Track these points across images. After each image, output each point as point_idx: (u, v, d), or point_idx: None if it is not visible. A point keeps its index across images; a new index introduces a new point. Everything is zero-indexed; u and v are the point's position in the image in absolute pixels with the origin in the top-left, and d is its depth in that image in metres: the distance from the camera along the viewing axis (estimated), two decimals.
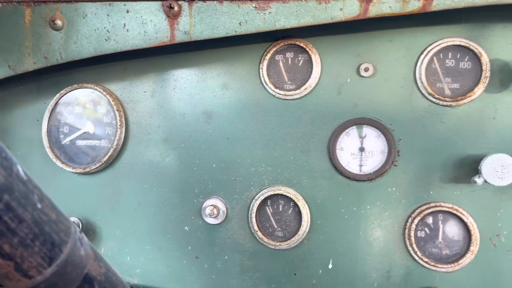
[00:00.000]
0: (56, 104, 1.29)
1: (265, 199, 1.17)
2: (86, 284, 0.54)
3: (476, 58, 1.04)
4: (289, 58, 1.18)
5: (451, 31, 1.06)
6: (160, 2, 1.07)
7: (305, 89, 1.14)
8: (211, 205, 1.19)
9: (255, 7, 1.02)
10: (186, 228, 1.23)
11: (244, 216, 1.20)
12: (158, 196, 1.25)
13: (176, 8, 1.06)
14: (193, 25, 1.07)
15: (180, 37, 1.08)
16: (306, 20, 1.00)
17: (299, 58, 1.17)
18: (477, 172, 1.00)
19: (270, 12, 1.02)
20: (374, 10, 0.96)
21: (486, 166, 0.97)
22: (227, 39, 1.08)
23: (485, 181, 0.97)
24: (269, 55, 1.17)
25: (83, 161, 1.29)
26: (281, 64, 1.18)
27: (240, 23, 1.04)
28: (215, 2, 1.04)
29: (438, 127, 1.07)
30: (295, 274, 1.15)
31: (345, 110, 1.13)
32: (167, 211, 1.25)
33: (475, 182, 0.99)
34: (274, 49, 1.17)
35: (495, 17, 1.03)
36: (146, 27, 1.09)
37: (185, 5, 1.06)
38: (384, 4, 0.95)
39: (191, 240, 1.23)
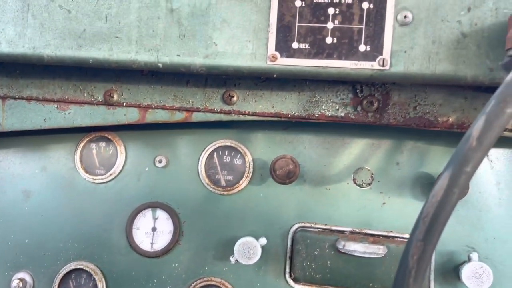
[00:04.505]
0: None
1: (68, 273, 1.29)
2: None
3: (243, 156, 1.29)
4: (102, 147, 1.37)
5: (226, 134, 1.31)
6: None
7: (111, 174, 1.33)
8: (19, 279, 1.29)
9: (57, 107, 1.22)
10: None
11: None
12: None
13: None
14: (5, 118, 1.24)
15: None
16: (98, 121, 1.21)
17: (110, 147, 1.36)
18: None
19: (69, 113, 1.21)
20: (150, 117, 1.19)
21: (238, 247, 1.17)
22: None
23: (237, 260, 1.17)
24: (82, 143, 1.35)
25: None
26: (94, 151, 1.36)
27: (44, 120, 1.22)
28: (24, 100, 1.23)
29: (215, 212, 1.28)
30: None
31: (143, 194, 1.32)
32: None
33: (230, 260, 1.19)
34: (87, 139, 1.36)
35: (259, 125, 1.29)
36: None
37: None
38: (158, 114, 1.19)
39: None
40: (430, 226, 0.68)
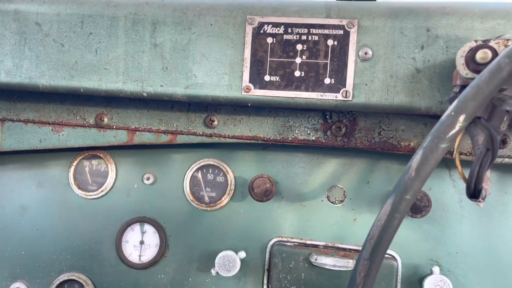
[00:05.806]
0: None
1: (62, 283, 1.38)
2: None
3: (225, 174, 1.38)
4: (94, 165, 1.46)
5: (210, 153, 1.40)
6: None
7: (102, 191, 1.42)
8: None
9: (52, 129, 1.31)
10: None
11: None
12: None
13: None
14: (4, 139, 1.33)
15: None
16: (90, 142, 1.31)
17: (102, 165, 1.45)
18: None
19: (63, 134, 1.31)
20: (137, 139, 1.29)
21: (218, 260, 1.26)
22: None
23: (218, 273, 1.26)
24: (76, 161, 1.45)
25: None
26: (87, 169, 1.46)
27: (40, 141, 1.32)
28: (21, 123, 1.33)
29: (198, 227, 1.37)
30: None
31: (131, 209, 1.41)
32: None
33: (211, 273, 1.28)
34: (81, 157, 1.45)
35: (240, 145, 1.38)
36: None
37: None
38: (145, 136, 1.28)
39: None
40: (375, 246, 0.77)
